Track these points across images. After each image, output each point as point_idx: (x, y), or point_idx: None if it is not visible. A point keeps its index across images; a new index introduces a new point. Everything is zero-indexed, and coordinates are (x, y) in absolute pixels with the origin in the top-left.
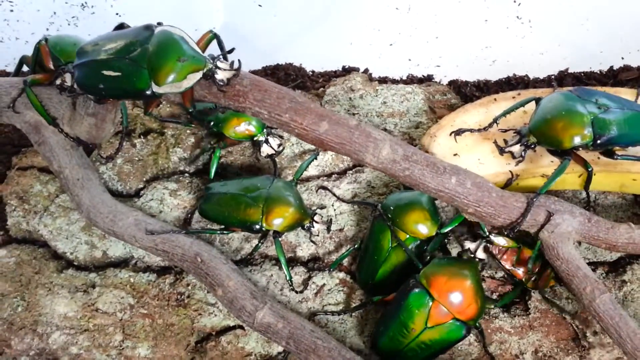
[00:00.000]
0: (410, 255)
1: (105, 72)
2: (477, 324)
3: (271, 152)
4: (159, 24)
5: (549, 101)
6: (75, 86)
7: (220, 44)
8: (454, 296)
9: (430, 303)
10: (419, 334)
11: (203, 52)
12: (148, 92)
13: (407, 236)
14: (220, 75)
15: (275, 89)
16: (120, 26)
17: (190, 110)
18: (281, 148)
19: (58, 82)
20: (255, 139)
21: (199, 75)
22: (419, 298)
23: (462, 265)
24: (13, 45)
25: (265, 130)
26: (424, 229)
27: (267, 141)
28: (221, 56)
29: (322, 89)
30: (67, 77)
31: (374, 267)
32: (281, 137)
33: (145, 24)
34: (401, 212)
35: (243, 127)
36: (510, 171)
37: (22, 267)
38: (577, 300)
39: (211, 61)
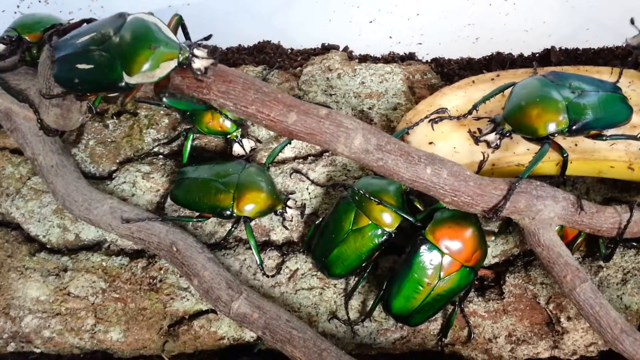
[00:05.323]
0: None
1: (80, 66)
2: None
3: (242, 153)
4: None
5: (522, 87)
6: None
7: (183, 27)
8: (461, 246)
9: (441, 256)
10: (434, 287)
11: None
12: (121, 84)
13: (369, 222)
14: (198, 64)
15: (241, 79)
16: (89, 21)
17: (162, 98)
18: (252, 152)
19: None
20: (228, 136)
21: (173, 63)
22: (429, 254)
23: (463, 216)
24: None
25: (240, 129)
26: (388, 218)
27: (240, 142)
28: (200, 43)
29: (299, 68)
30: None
31: (330, 245)
32: (259, 141)
33: (119, 12)
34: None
35: (216, 123)
36: (483, 152)
37: None
38: (558, 287)
39: (187, 49)
